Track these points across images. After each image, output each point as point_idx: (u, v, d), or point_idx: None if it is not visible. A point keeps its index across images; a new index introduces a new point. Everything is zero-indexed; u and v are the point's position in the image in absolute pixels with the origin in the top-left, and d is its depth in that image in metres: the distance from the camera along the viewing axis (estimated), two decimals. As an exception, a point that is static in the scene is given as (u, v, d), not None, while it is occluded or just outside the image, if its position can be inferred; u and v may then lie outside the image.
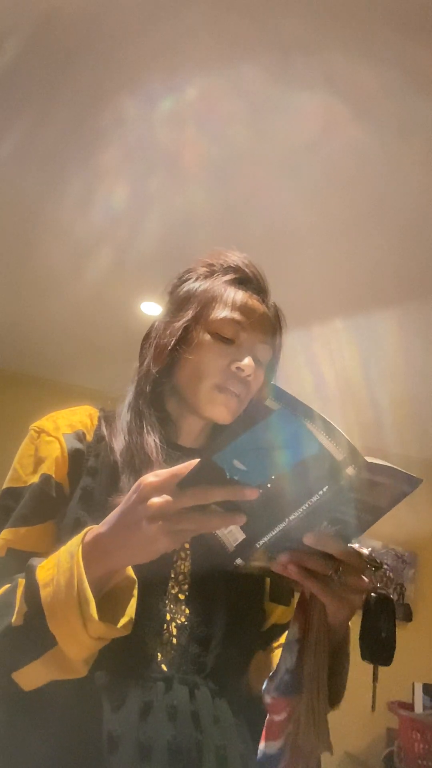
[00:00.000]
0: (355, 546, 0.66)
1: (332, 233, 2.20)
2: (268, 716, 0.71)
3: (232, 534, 0.61)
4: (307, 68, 1.59)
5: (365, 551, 0.70)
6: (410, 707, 3.10)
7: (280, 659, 0.72)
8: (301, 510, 0.57)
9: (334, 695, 0.71)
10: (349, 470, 0.55)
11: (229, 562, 0.62)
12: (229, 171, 1.99)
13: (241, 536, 0.60)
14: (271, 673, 0.73)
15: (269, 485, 0.56)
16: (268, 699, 0.71)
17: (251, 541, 0.60)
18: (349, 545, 0.63)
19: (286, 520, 0.58)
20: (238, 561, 0.62)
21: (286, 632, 0.73)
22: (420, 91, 1.60)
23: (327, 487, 0.56)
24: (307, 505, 0.57)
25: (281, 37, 1.52)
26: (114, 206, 2.19)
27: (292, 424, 0.54)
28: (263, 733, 0.70)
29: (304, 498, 0.57)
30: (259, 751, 0.69)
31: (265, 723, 0.71)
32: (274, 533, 0.59)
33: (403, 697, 3.15)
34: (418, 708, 3.09)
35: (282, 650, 0.72)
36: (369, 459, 0.56)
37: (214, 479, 0.56)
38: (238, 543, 0.61)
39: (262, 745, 0.70)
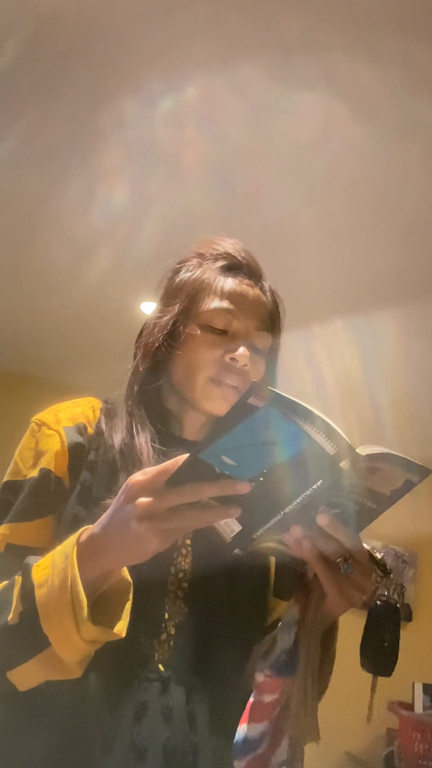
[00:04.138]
0: (368, 547, 0.65)
1: (333, 233, 2.20)
2: (254, 697, 0.68)
3: (228, 525, 0.60)
4: (307, 68, 1.59)
5: (377, 555, 0.68)
6: (410, 707, 3.09)
7: (277, 639, 0.70)
8: (296, 502, 0.57)
9: (322, 682, 0.69)
10: (343, 464, 0.54)
11: (227, 552, 0.62)
12: (229, 171, 1.99)
13: (237, 527, 0.60)
14: (262, 651, 0.70)
15: (261, 479, 0.55)
16: (260, 677, 0.68)
17: (248, 532, 0.60)
18: (362, 543, 0.62)
19: (281, 512, 0.58)
20: (237, 551, 0.62)
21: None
22: (420, 91, 1.60)
23: (321, 481, 0.56)
24: (302, 498, 0.57)
25: (281, 37, 1.52)
26: (114, 206, 2.19)
27: (281, 420, 0.52)
28: (246, 714, 0.67)
29: (299, 491, 0.56)
30: (238, 734, 0.66)
31: (249, 704, 0.68)
32: (270, 525, 0.59)
33: (403, 697, 3.15)
34: (418, 708, 3.09)
35: (279, 630, 0.70)
36: (369, 448, 0.55)
37: (204, 475, 0.55)
38: (235, 534, 0.60)
39: (243, 727, 0.66)
